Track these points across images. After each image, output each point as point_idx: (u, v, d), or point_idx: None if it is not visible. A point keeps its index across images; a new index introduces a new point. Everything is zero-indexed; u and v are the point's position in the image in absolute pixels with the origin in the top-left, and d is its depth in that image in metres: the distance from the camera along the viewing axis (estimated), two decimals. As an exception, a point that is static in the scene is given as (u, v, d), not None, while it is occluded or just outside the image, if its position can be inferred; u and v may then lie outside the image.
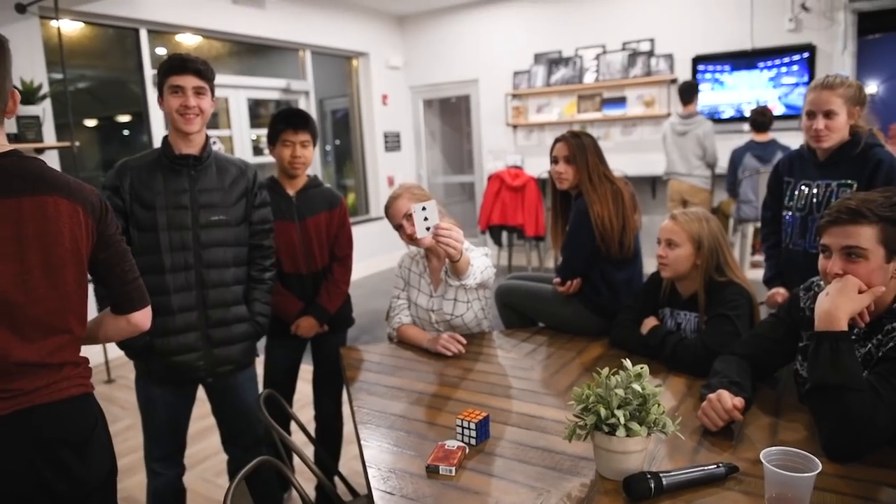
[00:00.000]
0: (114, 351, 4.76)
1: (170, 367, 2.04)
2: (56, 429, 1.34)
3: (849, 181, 2.22)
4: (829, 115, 2.21)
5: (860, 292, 1.47)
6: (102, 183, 2.04)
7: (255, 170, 2.21)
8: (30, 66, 4.42)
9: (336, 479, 2.17)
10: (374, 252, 7.57)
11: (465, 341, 2.28)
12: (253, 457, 1.50)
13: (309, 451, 2.51)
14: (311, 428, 2.65)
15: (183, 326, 2.03)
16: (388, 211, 2.40)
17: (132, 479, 3.02)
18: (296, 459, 2.41)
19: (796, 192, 2.40)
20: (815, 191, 2.33)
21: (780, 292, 2.41)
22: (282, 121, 2.48)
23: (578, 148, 2.47)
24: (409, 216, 2.26)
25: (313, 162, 2.62)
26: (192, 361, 2.05)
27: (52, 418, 1.34)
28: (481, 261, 2.26)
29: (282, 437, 1.74)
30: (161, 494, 2.21)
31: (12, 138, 4.21)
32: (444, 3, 7.62)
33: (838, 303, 1.47)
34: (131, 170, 2.01)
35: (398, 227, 2.38)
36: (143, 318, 1.53)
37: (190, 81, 1.96)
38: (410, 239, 2.31)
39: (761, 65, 6.06)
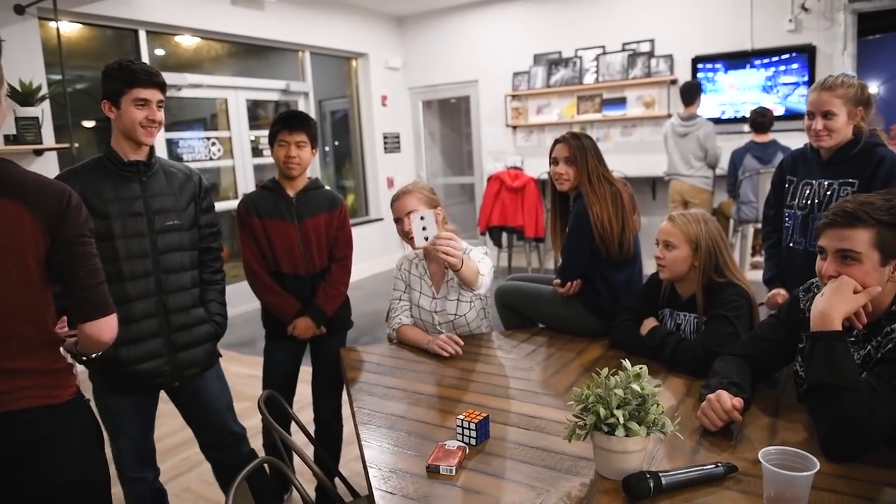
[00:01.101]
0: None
1: (135, 376, 2.01)
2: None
3: (850, 180, 2.23)
4: (827, 115, 2.22)
5: (855, 293, 1.48)
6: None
7: (199, 174, 2.22)
8: (28, 67, 4.42)
9: (336, 479, 2.17)
10: (373, 253, 7.57)
11: (462, 342, 2.28)
12: (234, 456, 1.50)
13: (309, 452, 2.51)
14: (311, 430, 2.65)
15: (146, 333, 2.01)
16: (395, 203, 2.43)
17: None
18: (296, 461, 2.41)
19: (798, 191, 2.41)
20: (817, 189, 2.33)
21: (781, 293, 2.42)
22: (279, 121, 2.50)
23: (579, 149, 2.47)
24: (410, 213, 2.26)
25: (313, 163, 2.62)
26: (157, 368, 2.04)
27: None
28: (486, 265, 2.27)
29: (282, 437, 1.74)
30: (143, 499, 2.19)
31: (11, 139, 4.22)
32: (444, 3, 7.63)
33: (833, 303, 1.47)
34: (79, 178, 1.93)
35: (398, 220, 2.41)
36: (99, 328, 1.45)
37: (156, 95, 1.95)
38: (406, 235, 2.32)
39: (761, 65, 6.06)
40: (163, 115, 2.00)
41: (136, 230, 1.98)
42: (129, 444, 2.13)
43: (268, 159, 6.62)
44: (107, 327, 1.46)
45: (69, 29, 4.97)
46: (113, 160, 1.98)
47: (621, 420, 1.28)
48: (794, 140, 5.41)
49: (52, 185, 1.38)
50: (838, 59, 5.70)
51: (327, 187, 2.68)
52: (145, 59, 5.40)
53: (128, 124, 1.93)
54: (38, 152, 4.47)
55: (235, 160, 6.32)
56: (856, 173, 2.22)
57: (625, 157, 6.82)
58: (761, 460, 1.22)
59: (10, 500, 1.36)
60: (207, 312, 2.18)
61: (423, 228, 1.87)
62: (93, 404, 2.09)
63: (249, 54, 6.65)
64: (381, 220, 7.97)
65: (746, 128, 5.76)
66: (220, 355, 2.28)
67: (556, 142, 2.55)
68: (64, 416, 1.43)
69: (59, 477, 1.40)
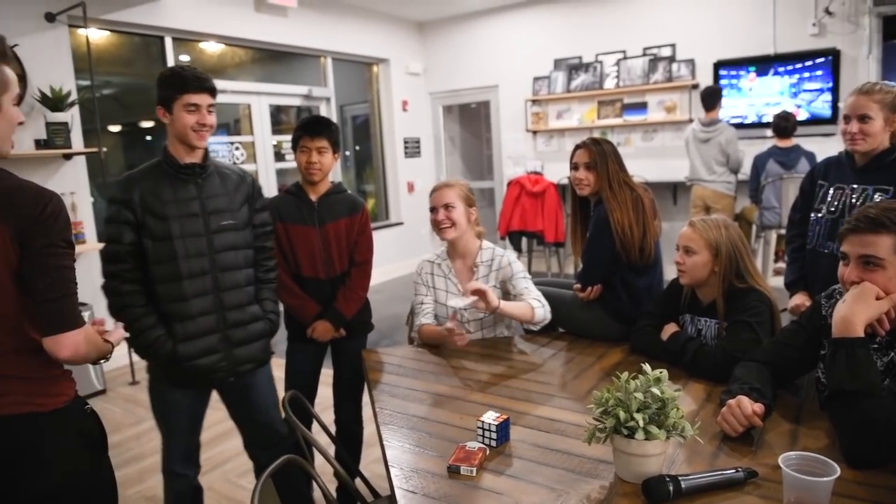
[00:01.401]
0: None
1: (193, 371, 2.08)
2: None
3: (885, 187, 2.23)
4: (863, 119, 2.23)
5: (878, 299, 1.47)
6: (110, 197, 2.07)
7: (252, 176, 2.28)
8: (59, 74, 4.52)
9: (357, 480, 2.19)
10: (393, 257, 7.62)
11: (466, 337, 2.33)
12: (277, 455, 1.53)
13: (330, 452, 2.54)
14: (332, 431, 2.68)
15: (203, 330, 2.08)
16: (434, 192, 2.52)
17: (155, 478, 3.07)
18: (317, 461, 2.44)
19: (829, 195, 2.40)
20: (848, 194, 2.32)
21: (805, 302, 2.41)
22: (301, 127, 2.55)
23: (599, 154, 2.48)
24: (448, 206, 2.47)
25: (334, 168, 2.66)
26: (214, 363, 2.10)
27: None
28: (534, 292, 2.45)
29: (305, 435, 1.77)
30: (184, 496, 2.26)
31: (41, 144, 4.32)
32: (464, 9, 7.67)
33: (855, 309, 1.47)
34: (138, 182, 2.03)
35: (433, 210, 2.50)
36: (56, 343, 1.36)
37: (206, 100, 2.03)
38: (437, 225, 2.48)
39: (784, 70, 6.01)
40: (214, 119, 2.07)
41: (192, 230, 2.05)
42: (179, 440, 2.21)
43: (290, 164, 6.70)
44: (64, 344, 1.36)
45: (98, 36, 5.08)
46: (170, 163, 2.06)
47: (641, 423, 1.29)
48: (818, 145, 5.37)
49: (30, 190, 1.34)
50: (863, 63, 5.64)
51: (349, 192, 2.72)
52: (171, 64, 5.49)
53: (180, 129, 2.01)
54: (68, 156, 4.57)
55: (258, 165, 6.40)
56: (891, 180, 2.22)
57: (646, 162, 6.80)
58: (781, 465, 1.22)
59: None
60: (262, 310, 2.23)
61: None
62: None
63: (272, 60, 6.74)
64: (401, 224, 8.02)
65: (769, 133, 5.71)
66: (273, 352, 2.33)
67: (577, 147, 2.57)
68: (52, 424, 1.40)
69: (43, 485, 1.38)
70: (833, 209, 2.37)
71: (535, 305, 2.40)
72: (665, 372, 1.37)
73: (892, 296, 1.48)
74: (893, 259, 1.48)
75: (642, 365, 1.40)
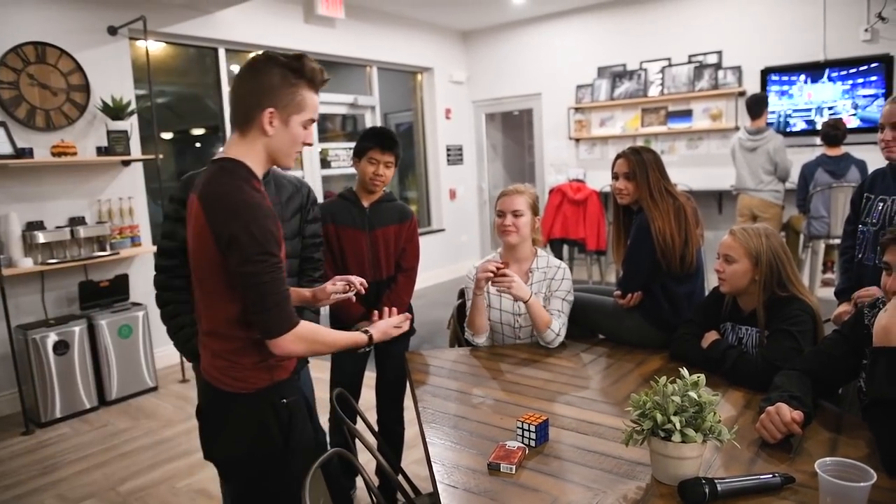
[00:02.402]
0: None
1: None
2: None
3: None
4: None
5: None
6: (170, 195, 2.17)
7: (308, 187, 2.35)
8: (119, 84, 4.75)
9: (399, 478, 2.25)
10: (434, 264, 7.70)
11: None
12: None
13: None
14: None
15: None
16: (503, 197, 2.58)
17: (203, 472, 3.20)
18: (363, 458, 2.51)
19: (873, 207, 2.38)
20: (890, 205, 2.30)
21: (849, 311, 2.38)
22: (372, 138, 2.60)
23: (638, 164, 2.50)
24: (516, 213, 2.51)
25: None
26: None
27: None
28: (559, 321, 2.49)
29: (351, 429, 1.84)
30: None
31: (102, 151, 4.54)
32: (508, 18, 7.73)
33: None
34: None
35: (500, 214, 2.56)
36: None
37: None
38: (501, 229, 2.54)
39: (837, 77, 5.90)
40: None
41: None
42: None
43: (335, 171, 6.85)
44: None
45: (155, 48, 5.31)
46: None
47: (678, 426, 1.32)
48: (869, 153, 5.24)
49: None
50: (918, 69, 5.50)
51: (399, 201, 2.79)
52: (223, 74, 5.70)
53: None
54: (126, 163, 4.79)
55: (304, 171, 6.55)
56: None
57: (690, 170, 6.74)
58: (817, 470, 1.24)
59: None
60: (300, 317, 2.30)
61: None
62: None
63: (320, 69, 6.90)
64: (442, 230, 8.09)
65: (818, 140, 5.60)
66: (308, 362, 2.40)
67: (617, 157, 2.59)
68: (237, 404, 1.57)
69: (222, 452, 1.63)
70: (875, 221, 2.34)
71: (553, 326, 2.44)
72: (703, 377, 1.39)
73: (935, 306, 1.48)
74: None
75: (681, 369, 1.43)
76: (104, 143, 4.58)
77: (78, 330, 4.18)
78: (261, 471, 1.57)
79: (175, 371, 4.89)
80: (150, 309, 4.59)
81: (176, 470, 3.31)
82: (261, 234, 1.41)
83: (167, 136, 5.74)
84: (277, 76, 1.47)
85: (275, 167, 2.25)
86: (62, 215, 4.46)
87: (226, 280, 1.45)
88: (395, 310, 1.97)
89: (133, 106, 4.73)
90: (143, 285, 4.82)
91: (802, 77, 6.05)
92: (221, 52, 5.68)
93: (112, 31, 4.71)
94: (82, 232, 4.36)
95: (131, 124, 4.69)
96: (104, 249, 4.54)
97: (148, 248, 4.85)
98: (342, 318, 2.63)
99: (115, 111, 4.54)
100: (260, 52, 1.53)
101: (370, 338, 1.76)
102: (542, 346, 2.49)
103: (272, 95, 1.47)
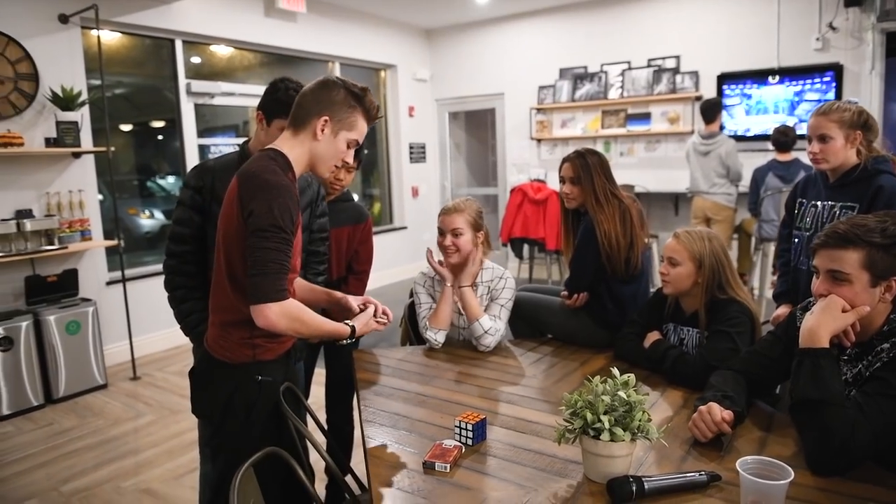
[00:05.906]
0: (140, 349, 4.92)
1: None
2: None
3: (850, 204, 2.26)
4: (822, 139, 2.28)
5: (844, 312, 1.52)
6: (184, 181, 2.17)
7: (318, 183, 2.35)
8: (70, 74, 4.62)
9: (348, 477, 2.24)
10: (395, 262, 7.69)
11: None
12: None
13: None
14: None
15: None
16: (443, 216, 2.54)
17: (150, 472, 3.14)
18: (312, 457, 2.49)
19: (806, 212, 2.45)
20: (821, 211, 2.37)
21: (786, 314, 2.45)
22: None
23: (583, 168, 2.53)
24: (455, 231, 2.48)
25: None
26: None
27: None
28: (495, 325, 2.47)
29: (296, 425, 1.82)
30: None
31: (51, 142, 4.42)
32: (471, 17, 7.75)
33: (821, 321, 1.52)
34: (212, 171, 2.12)
35: (441, 232, 2.53)
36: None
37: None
38: (443, 248, 2.51)
39: (788, 84, 6.05)
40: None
41: None
42: None
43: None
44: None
45: (109, 37, 5.18)
46: (247, 158, 2.11)
47: (607, 425, 1.34)
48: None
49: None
50: (866, 78, 5.67)
51: (356, 199, 2.76)
52: (180, 67, 5.60)
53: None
54: (77, 155, 4.67)
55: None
56: (856, 198, 2.26)
57: (648, 172, 6.85)
58: (738, 469, 1.27)
59: None
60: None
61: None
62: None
63: (281, 64, 6.82)
64: (404, 228, 8.08)
65: (770, 146, 5.75)
66: (302, 357, 2.37)
67: (564, 160, 2.62)
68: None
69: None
70: (808, 226, 2.41)
71: (485, 323, 2.44)
72: (633, 376, 1.42)
73: (858, 309, 1.52)
74: (860, 274, 1.53)
75: (611, 369, 1.45)
76: (53, 135, 4.45)
77: (24, 325, 4.06)
78: (227, 436, 1.72)
79: (126, 368, 4.79)
80: (100, 305, 4.49)
81: (122, 469, 3.24)
82: (279, 211, 1.52)
83: (126, 127, 5.61)
84: (342, 94, 1.65)
85: None
86: (8, 207, 4.33)
87: (243, 250, 1.56)
88: (377, 303, 1.96)
89: (84, 96, 4.61)
90: (93, 280, 4.71)
91: (755, 84, 6.20)
92: (178, 44, 5.57)
93: (63, 18, 4.58)
94: (29, 225, 4.23)
95: (82, 115, 4.56)
96: (52, 243, 4.41)
97: (99, 243, 4.74)
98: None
99: (65, 101, 4.42)
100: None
101: (353, 329, 1.80)
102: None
103: (331, 107, 1.64)
